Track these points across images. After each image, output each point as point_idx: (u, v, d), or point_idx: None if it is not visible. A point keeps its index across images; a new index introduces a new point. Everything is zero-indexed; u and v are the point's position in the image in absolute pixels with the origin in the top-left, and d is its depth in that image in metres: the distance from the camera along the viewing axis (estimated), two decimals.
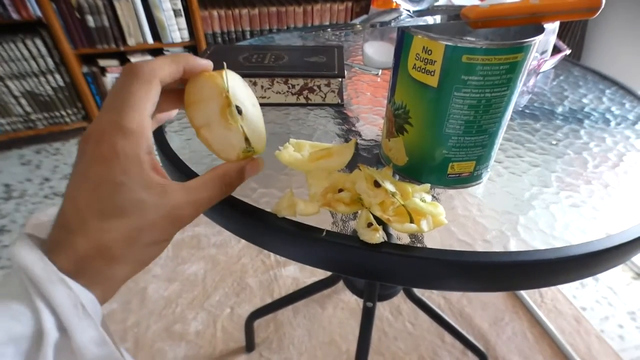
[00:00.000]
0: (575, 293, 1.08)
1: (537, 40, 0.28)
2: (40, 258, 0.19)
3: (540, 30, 0.29)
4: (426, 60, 0.29)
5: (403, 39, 0.31)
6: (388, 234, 0.30)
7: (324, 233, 0.30)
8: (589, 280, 1.12)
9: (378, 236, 0.28)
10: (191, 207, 0.23)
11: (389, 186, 0.29)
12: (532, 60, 0.30)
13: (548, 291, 1.08)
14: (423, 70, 0.30)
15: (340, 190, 0.30)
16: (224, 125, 0.26)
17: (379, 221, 0.29)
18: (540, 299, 1.06)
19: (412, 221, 0.28)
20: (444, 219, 0.28)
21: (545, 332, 0.98)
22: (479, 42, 0.27)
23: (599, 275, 1.13)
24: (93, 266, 0.20)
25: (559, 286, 1.09)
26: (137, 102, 0.21)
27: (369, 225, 0.29)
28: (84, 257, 0.20)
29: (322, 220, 0.31)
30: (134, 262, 0.22)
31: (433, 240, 0.30)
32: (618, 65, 1.48)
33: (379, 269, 0.29)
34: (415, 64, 0.30)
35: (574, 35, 1.46)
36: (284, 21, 1.73)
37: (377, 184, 0.30)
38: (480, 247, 0.30)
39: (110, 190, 0.20)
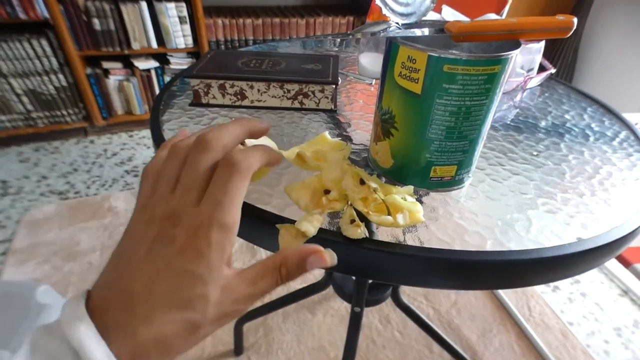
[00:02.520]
0: (563, 308, 1.09)
1: (514, 55, 0.30)
2: (104, 351, 0.18)
3: (518, 45, 0.31)
4: (411, 69, 0.31)
5: (390, 49, 0.33)
6: (370, 232, 0.32)
7: None
8: (576, 296, 1.13)
9: (360, 232, 0.30)
10: (248, 301, 0.22)
11: (373, 184, 0.31)
12: (510, 73, 0.32)
13: (536, 305, 1.09)
14: (408, 78, 0.32)
15: (327, 192, 0.32)
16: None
17: (363, 219, 0.30)
18: (528, 312, 1.07)
19: (389, 215, 0.29)
20: (421, 216, 0.30)
21: (532, 345, 0.99)
22: (459, 53, 0.29)
23: (587, 291, 1.14)
24: (147, 358, 0.19)
25: (548, 301, 1.10)
26: (237, 198, 0.21)
27: (352, 221, 0.30)
28: (142, 347, 0.19)
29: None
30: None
31: (413, 239, 0.32)
32: (608, 86, 1.52)
33: (361, 264, 0.31)
34: (401, 72, 0.32)
35: (565, 57, 1.51)
36: (287, 32, 1.77)
37: (362, 182, 0.32)
38: (458, 246, 0.31)
39: (189, 282, 0.20)
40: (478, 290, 1.12)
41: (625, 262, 0.70)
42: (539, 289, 1.15)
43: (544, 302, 1.10)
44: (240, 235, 0.35)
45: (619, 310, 1.09)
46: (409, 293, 1.11)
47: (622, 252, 0.53)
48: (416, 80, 0.32)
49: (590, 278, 1.19)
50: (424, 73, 0.31)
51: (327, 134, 0.35)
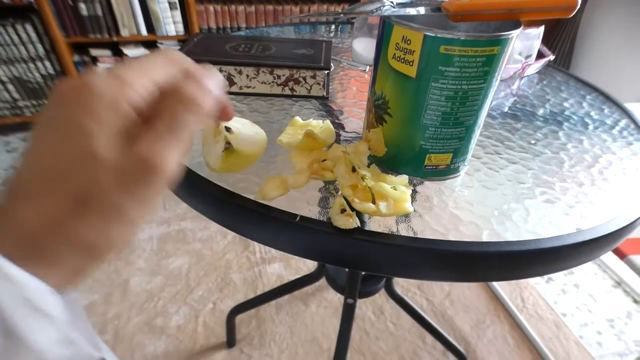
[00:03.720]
0: (556, 299, 1.10)
1: (514, 35, 0.29)
2: None
3: (518, 25, 0.30)
4: (405, 50, 0.30)
5: (384, 29, 0.31)
6: (362, 222, 0.31)
7: (298, 218, 0.29)
8: (570, 287, 1.13)
9: (351, 221, 0.28)
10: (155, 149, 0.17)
11: (363, 171, 0.30)
12: (509, 55, 0.31)
13: (530, 296, 1.09)
14: (402, 60, 0.30)
15: (324, 161, 0.34)
16: (214, 141, 0.31)
17: (353, 209, 0.29)
18: (522, 303, 1.07)
19: (373, 203, 0.28)
20: (408, 206, 0.29)
21: (526, 336, 0.99)
22: (456, 33, 0.27)
23: (580, 283, 1.15)
24: (43, 245, 0.15)
25: (541, 292, 1.10)
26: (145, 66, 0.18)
27: (343, 211, 0.29)
28: (30, 233, 0.15)
29: (299, 207, 0.31)
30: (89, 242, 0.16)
31: (407, 230, 0.30)
32: (605, 74, 1.51)
33: (351, 255, 0.30)
34: (395, 54, 0.31)
35: (563, 45, 1.49)
36: (280, 20, 1.73)
37: (354, 169, 0.31)
38: (452, 237, 0.30)
39: (73, 141, 0.16)
40: (474, 282, 1.12)
41: (620, 254, 0.70)
42: (533, 280, 1.15)
43: (537, 294, 1.10)
44: (225, 224, 0.33)
45: (612, 302, 1.10)
46: (402, 284, 1.10)
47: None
48: (411, 63, 0.30)
49: (584, 269, 1.20)
50: (419, 55, 0.29)
51: (298, 118, 0.40)
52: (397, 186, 0.31)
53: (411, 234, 0.30)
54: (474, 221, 0.32)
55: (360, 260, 0.30)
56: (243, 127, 0.35)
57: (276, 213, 0.30)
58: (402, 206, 0.29)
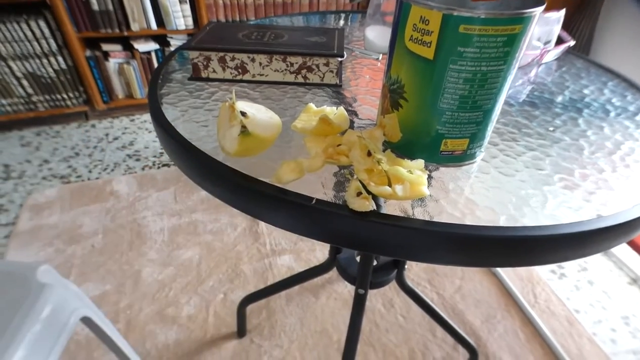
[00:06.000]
0: (569, 295, 1.08)
1: (537, 13, 0.28)
2: None
3: (542, 3, 0.29)
4: (423, 31, 0.29)
5: (401, 10, 0.30)
6: (378, 205, 0.30)
7: (314, 201, 0.29)
8: (583, 284, 1.12)
9: (367, 204, 0.28)
10: None
11: (379, 155, 0.29)
12: (530, 35, 0.30)
13: (542, 292, 1.08)
14: (419, 42, 0.30)
15: (339, 146, 0.34)
16: (229, 125, 0.33)
17: (369, 192, 0.29)
18: (533, 299, 1.06)
19: (389, 186, 0.28)
20: (424, 189, 0.28)
21: (537, 332, 0.98)
22: (476, 11, 0.27)
23: (594, 279, 1.13)
24: None
25: (554, 288, 1.09)
26: None
27: (359, 194, 0.29)
28: None
29: (314, 191, 0.31)
30: None
31: (423, 214, 0.30)
32: (627, 61, 1.47)
33: (367, 238, 0.29)
34: (412, 36, 0.30)
35: (583, 31, 1.45)
36: (289, 12, 1.72)
37: (369, 154, 0.30)
38: (469, 221, 0.29)
39: None
40: (490, 267, 1.11)
41: (638, 248, 0.68)
42: (545, 276, 1.13)
43: (550, 289, 1.09)
44: (241, 208, 0.33)
45: (627, 299, 1.08)
46: (412, 278, 1.10)
47: (635, 238, 0.51)
48: (428, 44, 0.29)
49: (599, 265, 1.18)
50: (437, 35, 0.28)
51: (312, 104, 0.40)
52: (413, 170, 0.31)
53: (427, 218, 0.29)
54: (491, 206, 0.31)
55: (376, 243, 0.29)
56: (258, 112, 0.35)
57: (292, 196, 0.30)
58: (419, 189, 0.29)
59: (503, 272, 1.12)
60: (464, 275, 1.11)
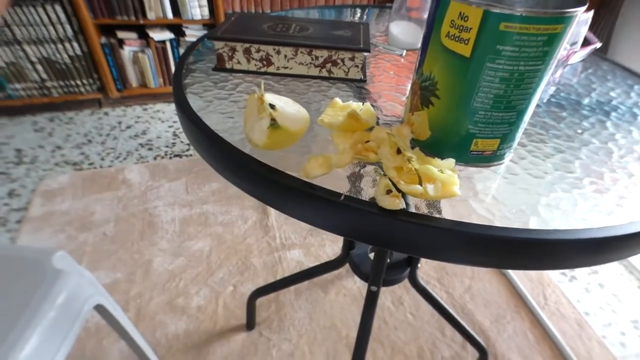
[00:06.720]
0: (579, 297, 1.07)
1: (579, 13, 0.27)
2: None
3: (583, 2, 0.28)
4: (461, 28, 0.29)
5: (438, 6, 0.30)
6: (406, 204, 0.30)
7: (342, 197, 0.29)
8: (594, 287, 1.11)
9: (397, 202, 0.28)
10: None
11: (409, 153, 0.29)
12: (570, 35, 0.29)
13: (552, 294, 1.07)
14: (457, 39, 0.29)
15: (367, 142, 0.33)
16: (258, 117, 0.33)
17: (399, 190, 0.29)
18: (543, 300, 1.05)
19: (420, 185, 0.28)
20: (456, 189, 0.28)
21: (547, 333, 0.97)
22: (518, 9, 0.26)
23: (605, 282, 1.12)
24: None
25: (564, 290, 1.08)
26: None
27: (388, 192, 0.28)
28: None
29: (340, 187, 0.31)
30: None
31: (451, 214, 0.30)
32: None
33: (395, 236, 0.29)
34: (449, 32, 0.30)
35: (602, 32, 1.43)
36: (305, 5, 1.71)
37: (398, 151, 0.30)
38: (499, 223, 0.29)
39: None
40: (517, 270, 1.10)
41: None
42: (556, 278, 1.12)
43: (560, 292, 1.08)
44: (267, 201, 0.33)
45: (638, 302, 1.07)
46: (422, 276, 1.10)
47: None
48: (466, 42, 0.29)
49: (609, 269, 1.17)
50: (476, 32, 0.28)
51: (337, 99, 0.39)
52: (444, 169, 0.30)
53: (457, 219, 0.29)
54: (520, 208, 0.31)
55: (404, 242, 0.29)
56: (286, 105, 0.34)
57: (320, 191, 0.30)
58: (450, 189, 0.29)
59: (513, 272, 1.11)
60: (473, 274, 1.11)
